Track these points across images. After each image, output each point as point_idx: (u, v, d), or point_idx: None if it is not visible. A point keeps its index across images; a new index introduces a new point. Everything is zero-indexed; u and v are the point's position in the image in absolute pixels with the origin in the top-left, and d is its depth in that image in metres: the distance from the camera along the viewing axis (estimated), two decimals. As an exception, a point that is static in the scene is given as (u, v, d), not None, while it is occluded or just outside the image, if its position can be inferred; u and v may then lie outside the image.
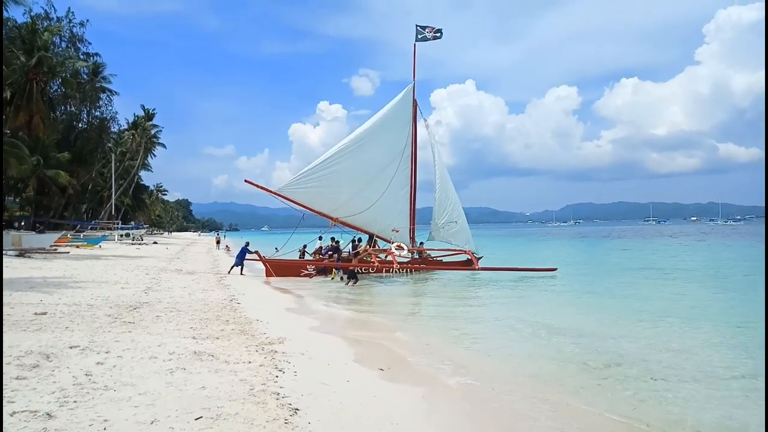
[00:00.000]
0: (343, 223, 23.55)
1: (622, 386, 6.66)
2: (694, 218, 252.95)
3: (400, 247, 22.86)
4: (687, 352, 8.46)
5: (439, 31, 25.35)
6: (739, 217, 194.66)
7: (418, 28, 25.18)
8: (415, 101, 25.11)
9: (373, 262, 21.68)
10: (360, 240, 23.18)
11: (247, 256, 21.85)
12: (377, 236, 24.13)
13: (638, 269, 24.95)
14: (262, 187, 23.58)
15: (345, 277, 19.78)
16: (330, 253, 22.65)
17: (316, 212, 23.36)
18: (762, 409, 5.09)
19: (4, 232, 27.31)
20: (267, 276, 20.91)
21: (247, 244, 22.77)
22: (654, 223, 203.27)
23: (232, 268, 21.72)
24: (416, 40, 25.16)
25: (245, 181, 24.23)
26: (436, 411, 5.62)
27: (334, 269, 20.83)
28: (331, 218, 23.18)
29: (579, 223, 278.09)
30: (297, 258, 23.76)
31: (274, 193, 22.97)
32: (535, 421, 5.45)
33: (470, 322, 11.83)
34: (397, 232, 23.94)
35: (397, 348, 8.68)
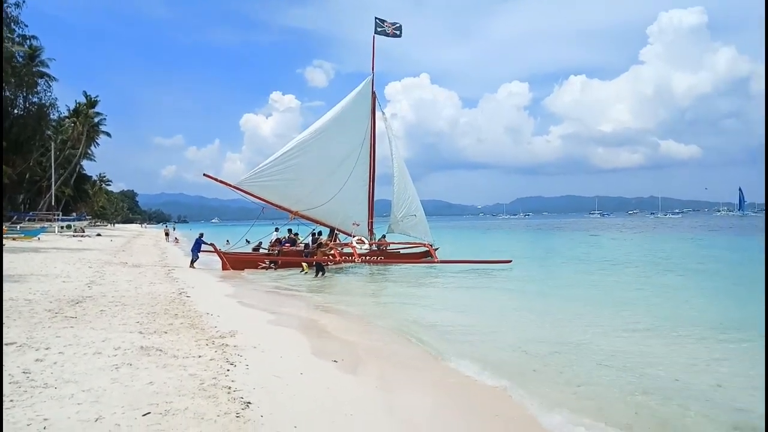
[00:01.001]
0: (304, 217, 23.40)
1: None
2: (632, 211, 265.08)
3: (361, 241, 23.09)
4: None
5: (399, 28, 25.34)
6: (677, 211, 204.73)
7: (378, 20, 25.08)
8: (374, 93, 25.10)
9: (335, 255, 21.59)
10: (320, 233, 22.94)
11: (203, 248, 21.42)
12: (338, 229, 24.09)
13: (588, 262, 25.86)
14: (222, 182, 23.01)
15: (312, 269, 19.66)
16: (288, 245, 22.65)
17: (276, 206, 23.08)
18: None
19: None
20: (223, 269, 20.54)
21: (201, 235, 22.28)
22: (598, 216, 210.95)
23: (192, 261, 21.14)
24: (375, 32, 25.06)
25: (204, 174, 23.33)
26: (389, 401, 5.67)
27: (303, 263, 20.62)
28: (291, 212, 22.99)
29: (528, 216, 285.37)
30: (250, 252, 23.35)
31: (234, 187, 22.49)
32: (487, 407, 5.59)
33: (427, 312, 11.96)
34: (358, 225, 24.03)
35: (351, 339, 8.69)
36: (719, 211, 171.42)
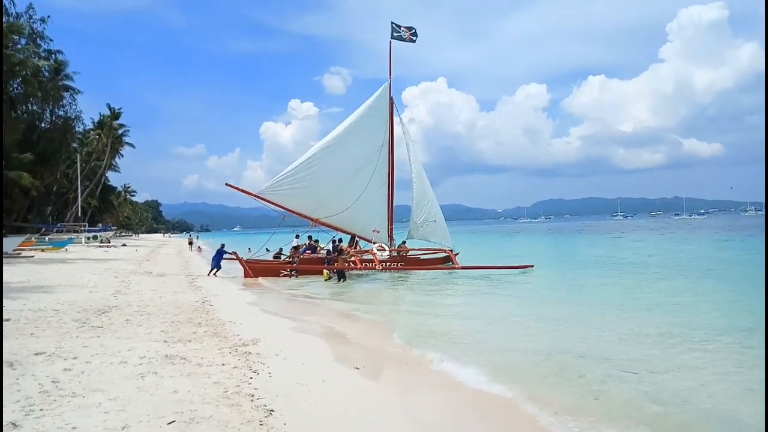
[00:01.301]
0: (324, 224, 23.50)
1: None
2: (655, 213, 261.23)
3: (381, 248, 23.27)
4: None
5: (414, 33, 25.45)
6: (702, 211, 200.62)
7: (394, 25, 25.24)
8: (391, 99, 25.20)
9: (355, 262, 21.66)
10: (341, 240, 23.15)
11: (225, 257, 21.68)
12: (358, 236, 24.18)
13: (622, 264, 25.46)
14: (243, 190, 23.31)
15: (334, 276, 19.77)
16: (308, 252, 22.90)
17: (297, 214, 23.24)
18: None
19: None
20: (246, 277, 20.74)
21: (223, 246, 22.50)
22: (621, 218, 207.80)
23: (211, 271, 21.26)
24: (392, 38, 25.20)
25: (226, 184, 23.64)
26: (411, 408, 5.64)
27: (325, 270, 20.48)
28: (312, 219, 23.12)
29: (550, 219, 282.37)
30: (272, 259, 23.54)
31: (256, 196, 22.72)
32: (504, 417, 5.52)
33: (448, 319, 11.88)
34: (378, 232, 24.13)
35: (373, 346, 8.68)
36: (746, 211, 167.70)
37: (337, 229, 23.84)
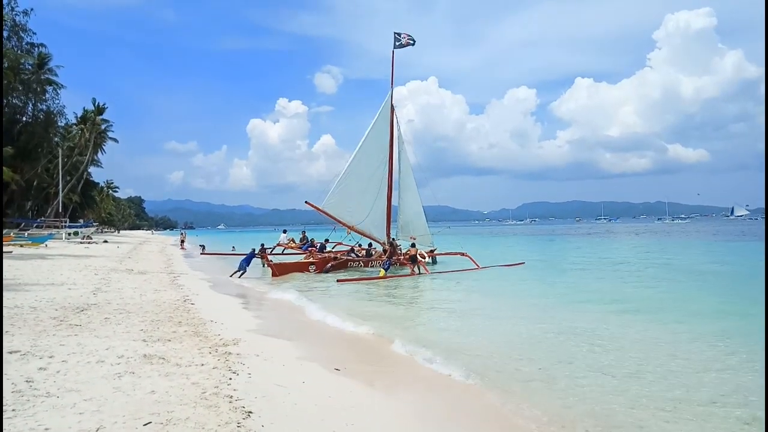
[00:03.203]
0: (358, 231, 25.31)
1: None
2: (637, 217, 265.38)
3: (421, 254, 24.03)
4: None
5: (413, 38, 26.40)
6: (684, 216, 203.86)
7: (396, 35, 26.18)
8: (392, 107, 26.34)
9: (403, 262, 22.96)
10: (369, 245, 25.77)
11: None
12: (375, 240, 25.89)
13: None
14: (316, 207, 24.62)
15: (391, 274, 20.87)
16: (311, 248, 25.10)
17: (341, 223, 24.95)
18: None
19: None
20: (273, 277, 21.31)
21: (253, 250, 22.65)
22: (605, 221, 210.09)
23: (240, 273, 20.72)
24: (394, 47, 26.21)
25: (306, 202, 24.98)
26: (392, 410, 5.65)
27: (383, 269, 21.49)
28: (348, 227, 24.94)
29: (535, 221, 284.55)
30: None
31: (322, 211, 24.37)
32: (490, 415, 5.55)
33: (438, 322, 11.90)
34: (415, 239, 24.96)
35: (354, 347, 8.67)
36: (740, 216, 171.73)
37: (364, 234, 25.64)
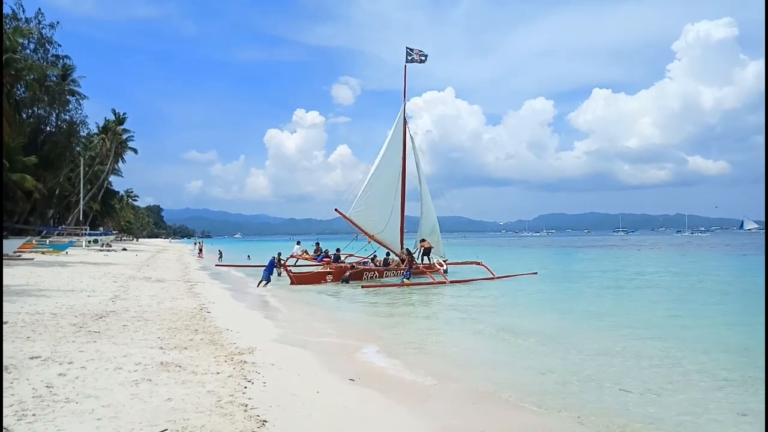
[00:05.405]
0: (378, 241, 25.72)
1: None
2: (656, 229, 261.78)
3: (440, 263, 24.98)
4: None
5: (425, 55, 27.14)
6: (703, 229, 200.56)
7: (408, 50, 26.83)
8: (405, 120, 26.97)
9: (423, 272, 23.31)
10: (387, 254, 26.44)
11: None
12: (391, 251, 26.33)
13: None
14: (343, 215, 24.80)
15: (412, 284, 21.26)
16: (326, 259, 25.26)
17: (364, 232, 25.25)
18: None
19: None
20: (291, 284, 21.74)
21: (273, 259, 22.75)
22: (623, 233, 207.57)
23: (265, 283, 20.87)
24: (406, 62, 26.87)
25: (336, 210, 25.16)
26: (406, 421, 5.62)
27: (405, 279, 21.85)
28: (370, 236, 25.25)
29: (552, 233, 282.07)
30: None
31: (349, 220, 24.64)
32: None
33: (450, 331, 11.86)
34: (431, 247, 25.87)
35: (369, 358, 8.65)
36: (750, 230, 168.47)
37: (383, 244, 26.08)
